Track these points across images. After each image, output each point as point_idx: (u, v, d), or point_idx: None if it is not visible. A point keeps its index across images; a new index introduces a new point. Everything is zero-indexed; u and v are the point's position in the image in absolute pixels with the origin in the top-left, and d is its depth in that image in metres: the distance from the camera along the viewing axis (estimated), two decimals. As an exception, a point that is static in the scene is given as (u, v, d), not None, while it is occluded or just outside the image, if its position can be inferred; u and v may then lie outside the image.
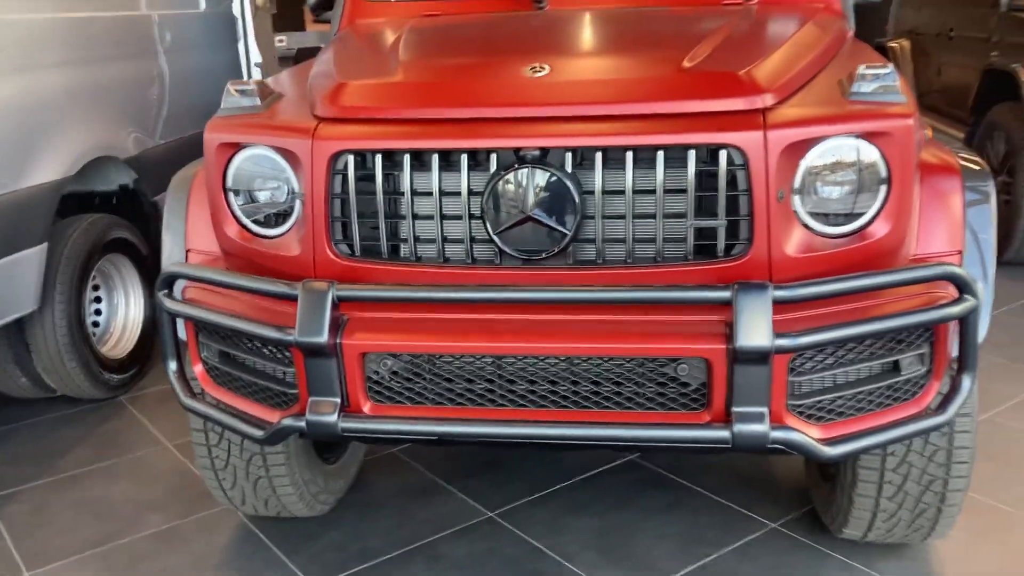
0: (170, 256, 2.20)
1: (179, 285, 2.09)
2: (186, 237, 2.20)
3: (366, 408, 1.86)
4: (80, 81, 3.43)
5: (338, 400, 1.84)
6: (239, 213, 2.00)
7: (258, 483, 2.43)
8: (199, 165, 2.32)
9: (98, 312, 3.64)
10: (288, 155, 1.91)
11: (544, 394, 1.83)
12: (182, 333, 2.10)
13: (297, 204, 1.93)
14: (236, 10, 4.01)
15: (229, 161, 1.98)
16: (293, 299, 1.83)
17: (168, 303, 2.00)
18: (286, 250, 1.94)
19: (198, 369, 2.09)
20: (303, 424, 1.85)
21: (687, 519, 2.62)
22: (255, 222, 2.01)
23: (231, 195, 2.00)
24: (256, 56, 4.24)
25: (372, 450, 3.06)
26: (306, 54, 12.22)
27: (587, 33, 2.39)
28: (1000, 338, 3.87)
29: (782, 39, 2.19)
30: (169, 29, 4.20)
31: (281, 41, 9.04)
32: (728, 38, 2.15)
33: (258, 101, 2.04)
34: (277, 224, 1.99)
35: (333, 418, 1.83)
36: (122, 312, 3.70)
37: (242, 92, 2.05)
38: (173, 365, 2.08)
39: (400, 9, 2.95)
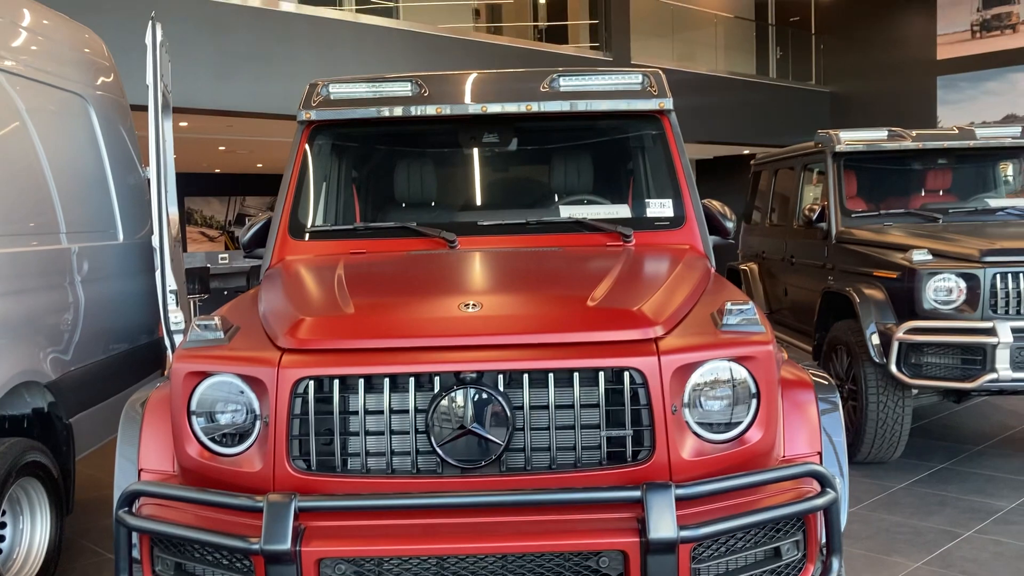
0: (124, 476, 2.37)
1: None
2: (139, 457, 2.38)
3: (320, 613, 2.04)
4: (10, 311, 3.60)
5: (296, 606, 2.02)
6: (200, 434, 2.23)
7: None
8: (150, 390, 2.54)
9: (0, 538, 3.61)
10: (253, 382, 2.17)
11: (483, 591, 2.07)
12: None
13: (257, 424, 2.18)
14: (155, 241, 4.28)
15: (195, 388, 2.22)
16: (255, 511, 2.04)
17: (132, 520, 2.16)
18: (246, 466, 2.17)
19: (151, 583, 2.22)
20: (262, 631, 2.01)
21: None
22: (213, 441, 2.23)
23: (194, 418, 2.23)
24: (172, 283, 4.49)
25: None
26: (191, 273, 12.50)
27: (503, 272, 2.81)
28: (859, 532, 4.30)
29: (663, 278, 2.66)
30: (87, 260, 4.43)
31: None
32: (620, 277, 2.61)
33: (222, 334, 2.32)
34: (234, 443, 2.22)
35: (291, 624, 2.00)
36: (27, 536, 3.68)
37: (205, 327, 2.33)
38: (126, 580, 2.21)
39: (324, 247, 3.32)
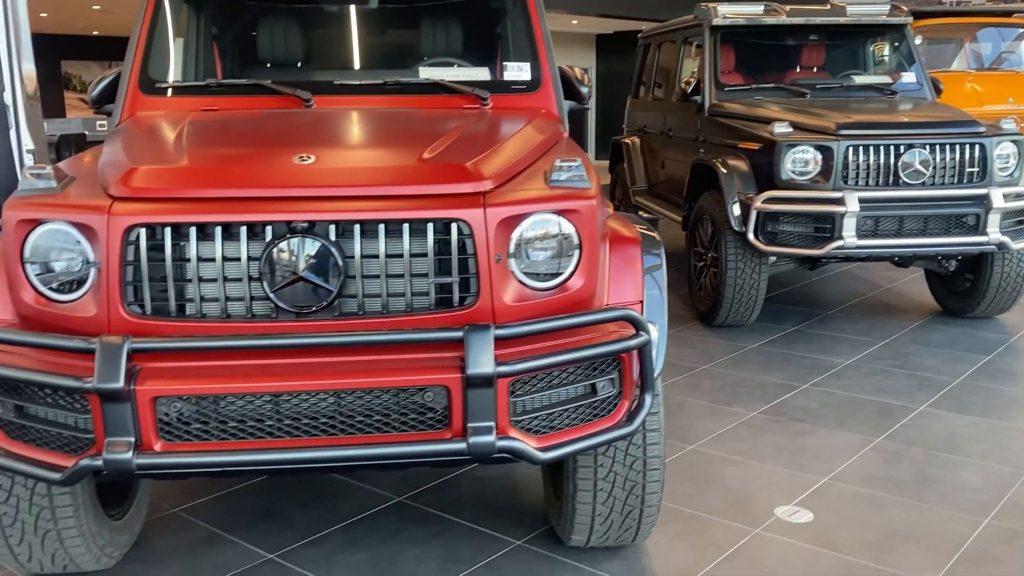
0: (-37, 325, 2.38)
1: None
2: (-25, 307, 2.39)
3: (157, 446, 2.15)
4: None
5: (132, 440, 2.11)
6: (35, 281, 2.25)
7: (46, 536, 2.59)
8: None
9: None
10: (85, 229, 2.20)
11: (317, 426, 2.20)
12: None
13: (92, 271, 2.21)
14: (8, 98, 4.13)
15: (27, 236, 2.23)
16: (89, 352, 2.10)
17: (-35, 364, 2.19)
18: (81, 312, 2.21)
19: (-9, 426, 2.28)
20: (100, 463, 2.10)
21: (447, 544, 3.02)
22: (50, 289, 2.26)
23: (28, 266, 2.25)
24: (28, 143, 4.36)
25: (156, 508, 3.25)
26: (67, 140, 11.96)
27: (347, 129, 2.85)
28: (708, 386, 4.62)
29: (505, 137, 2.75)
30: (-66, 115, 4.25)
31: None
32: (462, 135, 2.68)
33: (54, 183, 2.31)
34: (71, 290, 2.25)
35: (128, 455, 2.10)
36: None
37: (38, 175, 2.32)
38: (-34, 423, 2.26)
39: (178, 103, 3.28)
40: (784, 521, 3.16)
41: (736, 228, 5.37)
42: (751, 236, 5.27)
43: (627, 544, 2.94)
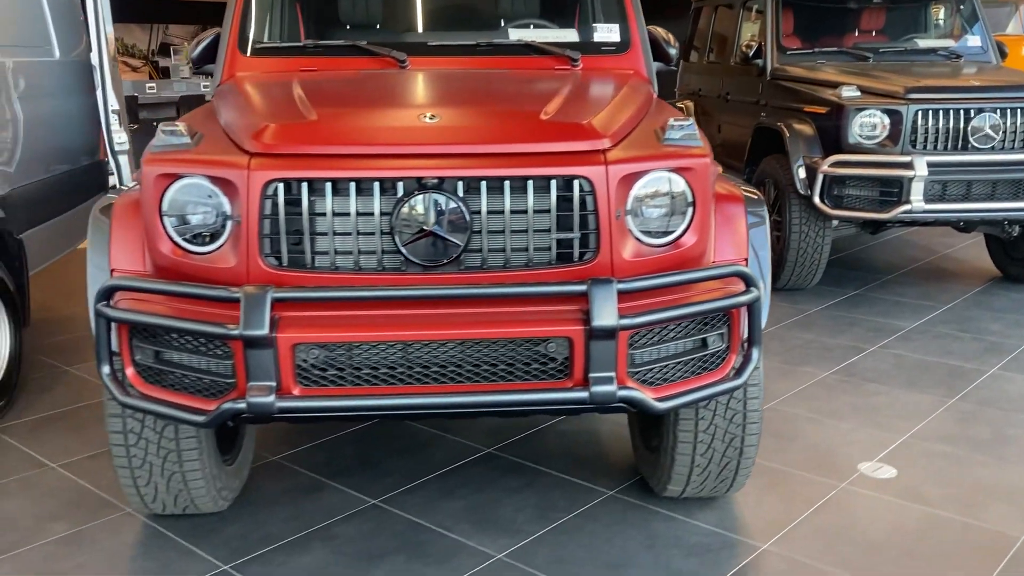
0: (95, 277, 2.49)
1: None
2: (110, 259, 2.50)
3: (296, 391, 2.25)
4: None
5: (273, 384, 2.22)
6: (173, 233, 2.35)
7: (172, 478, 2.72)
8: (116, 197, 2.63)
9: (-38, 347, 3.73)
10: (223, 184, 2.29)
11: (444, 374, 2.29)
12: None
13: (228, 225, 2.31)
14: (95, 59, 4.22)
15: (166, 189, 2.33)
16: (231, 302, 2.21)
17: (113, 312, 2.30)
18: (220, 263, 2.31)
19: (130, 372, 2.39)
20: (243, 406, 2.21)
21: (541, 494, 3.13)
22: (185, 240, 2.36)
23: (166, 219, 2.34)
24: (114, 103, 4.46)
25: (258, 457, 3.38)
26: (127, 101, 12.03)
27: (459, 89, 2.92)
28: (775, 348, 4.68)
29: (610, 97, 2.81)
30: (23, 76, 4.35)
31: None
32: (571, 95, 2.75)
33: (188, 139, 2.40)
34: (204, 243, 2.35)
35: (270, 399, 2.21)
36: (-12, 346, 3.81)
37: (171, 132, 2.41)
38: (107, 369, 2.37)
39: (275, 64, 3.35)
40: (868, 476, 3.23)
41: (801, 191, 5.39)
42: (816, 200, 5.29)
43: (720, 495, 3.03)
